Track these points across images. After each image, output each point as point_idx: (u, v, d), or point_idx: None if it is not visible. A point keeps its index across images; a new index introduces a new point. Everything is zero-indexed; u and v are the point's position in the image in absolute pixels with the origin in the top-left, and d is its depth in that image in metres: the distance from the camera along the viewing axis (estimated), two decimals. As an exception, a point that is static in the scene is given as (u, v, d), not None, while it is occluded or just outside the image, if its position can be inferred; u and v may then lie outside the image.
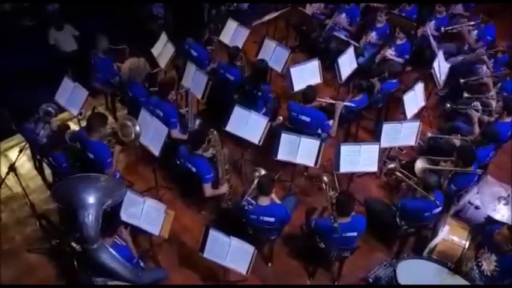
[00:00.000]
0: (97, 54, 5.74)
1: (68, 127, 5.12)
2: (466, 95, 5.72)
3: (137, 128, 4.36)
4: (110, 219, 3.59)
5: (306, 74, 5.70)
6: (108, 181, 3.06)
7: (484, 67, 6.21)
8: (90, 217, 2.86)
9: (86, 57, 5.95)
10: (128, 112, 5.77)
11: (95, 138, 4.38)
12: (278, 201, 4.41)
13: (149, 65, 5.69)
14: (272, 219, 4.21)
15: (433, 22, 6.81)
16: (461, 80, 5.94)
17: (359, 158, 4.72)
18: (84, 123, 4.96)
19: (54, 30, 6.38)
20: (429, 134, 5.40)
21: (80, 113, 5.18)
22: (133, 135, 4.38)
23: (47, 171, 5.24)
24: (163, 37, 6.06)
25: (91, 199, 2.91)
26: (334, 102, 5.29)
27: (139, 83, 5.42)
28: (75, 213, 3.11)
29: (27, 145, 4.96)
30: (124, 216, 4.04)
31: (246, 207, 4.23)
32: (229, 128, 5.01)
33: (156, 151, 4.63)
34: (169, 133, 4.77)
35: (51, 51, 6.43)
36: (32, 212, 4.66)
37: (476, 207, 4.61)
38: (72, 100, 5.20)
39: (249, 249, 3.95)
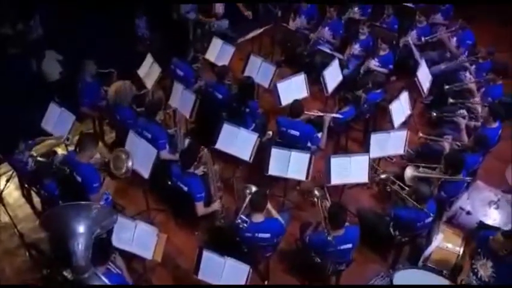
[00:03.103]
0: (84, 78, 5.72)
1: (55, 153, 5.08)
2: (450, 100, 5.81)
3: (130, 163, 4.28)
4: (102, 246, 3.53)
5: (293, 88, 5.74)
6: (100, 209, 3.00)
7: (467, 73, 6.30)
8: (80, 246, 2.79)
9: (72, 82, 5.93)
10: (116, 135, 5.73)
11: (84, 159, 4.29)
12: (275, 213, 4.38)
13: (137, 86, 5.68)
14: (268, 235, 4.17)
15: (414, 32, 6.94)
16: (446, 87, 6.02)
17: (349, 170, 4.74)
18: (71, 149, 4.93)
19: (38, 57, 6.36)
20: (420, 134, 5.43)
21: (67, 139, 5.13)
22: (123, 170, 4.29)
23: (36, 199, 5.16)
24: (149, 58, 6.07)
25: (81, 228, 2.84)
26: (322, 114, 5.32)
27: (126, 105, 5.40)
28: (65, 242, 3.06)
29: (15, 174, 4.89)
30: (116, 241, 3.99)
31: (241, 226, 4.19)
32: (219, 146, 5.00)
33: (145, 173, 4.59)
34: (159, 154, 4.75)
35: (37, 78, 6.40)
36: (21, 242, 4.57)
37: (468, 213, 4.63)
38: (59, 126, 5.15)
39: (244, 268, 3.90)
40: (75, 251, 2.91)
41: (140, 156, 4.61)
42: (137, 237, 4.06)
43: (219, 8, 7.54)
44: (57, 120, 5.17)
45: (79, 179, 4.28)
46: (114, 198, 4.91)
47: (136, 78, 5.98)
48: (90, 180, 4.23)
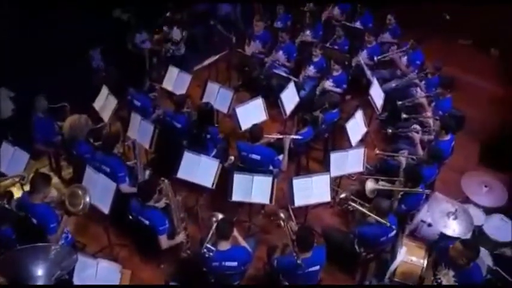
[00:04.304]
0: (36, 114, 5.56)
1: (11, 194, 4.87)
2: (404, 116, 6.03)
3: (87, 198, 4.15)
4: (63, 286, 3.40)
5: (252, 112, 5.81)
6: (59, 250, 2.90)
7: (418, 89, 6.57)
8: (39, 290, 2.68)
9: (25, 119, 5.75)
10: (74, 171, 5.57)
11: (38, 201, 4.16)
12: (241, 240, 4.34)
13: (94, 119, 5.57)
14: (235, 264, 4.12)
15: (364, 51, 7.20)
16: (399, 103, 6.25)
17: (312, 190, 4.79)
18: (27, 189, 4.74)
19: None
20: (377, 151, 5.57)
21: (23, 178, 4.96)
22: (80, 206, 4.13)
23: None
24: (104, 90, 6.00)
25: (40, 271, 2.73)
26: (281, 137, 5.38)
27: (82, 139, 5.27)
28: (24, 286, 2.92)
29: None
30: (78, 281, 3.83)
31: (207, 255, 4.12)
32: (180, 174, 4.95)
33: (105, 209, 4.47)
34: (119, 188, 4.63)
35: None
36: (-24, 290, 4.31)
37: (429, 225, 4.76)
38: (13, 165, 5.00)
39: (212, 298, 3.85)
40: (34, 296, 2.79)
41: (99, 191, 4.50)
42: (100, 275, 3.93)
43: (176, 34, 7.60)
44: (11, 159, 5.02)
45: (35, 221, 4.13)
46: (74, 235, 4.74)
47: (92, 111, 5.87)
48: (47, 221, 4.09)
